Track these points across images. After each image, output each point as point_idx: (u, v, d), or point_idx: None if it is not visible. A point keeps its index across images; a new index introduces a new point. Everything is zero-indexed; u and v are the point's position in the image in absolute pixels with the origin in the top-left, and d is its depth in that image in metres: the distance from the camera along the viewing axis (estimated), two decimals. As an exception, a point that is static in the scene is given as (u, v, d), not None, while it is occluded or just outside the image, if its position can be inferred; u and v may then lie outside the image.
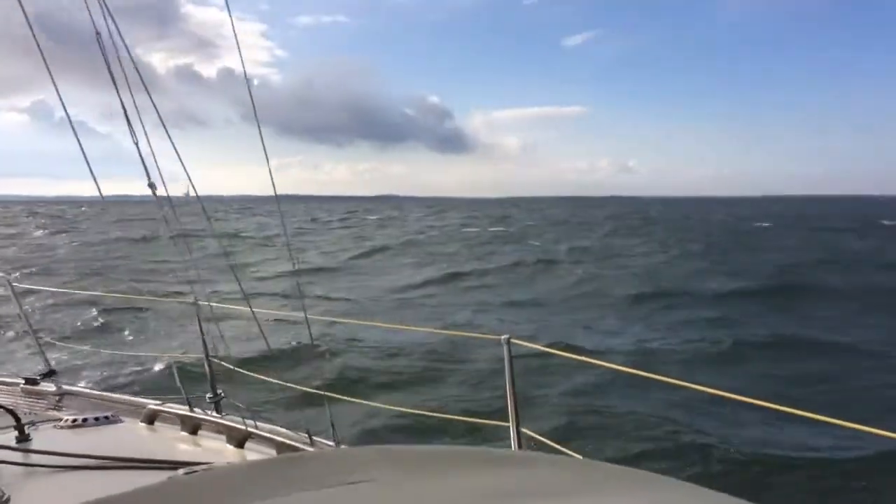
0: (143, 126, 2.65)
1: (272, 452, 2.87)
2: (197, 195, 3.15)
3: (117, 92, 2.54)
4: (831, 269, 25.28)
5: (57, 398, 4.23)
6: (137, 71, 2.55)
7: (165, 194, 2.77)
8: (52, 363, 4.60)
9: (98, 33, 2.45)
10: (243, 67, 2.86)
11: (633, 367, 3.88)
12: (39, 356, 4.71)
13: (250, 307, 3.26)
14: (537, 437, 3.41)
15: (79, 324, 15.79)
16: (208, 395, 3.64)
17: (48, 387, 4.38)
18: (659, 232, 54.35)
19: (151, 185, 2.72)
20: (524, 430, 3.18)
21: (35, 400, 4.20)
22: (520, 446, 3.15)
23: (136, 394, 4.66)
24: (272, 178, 3.07)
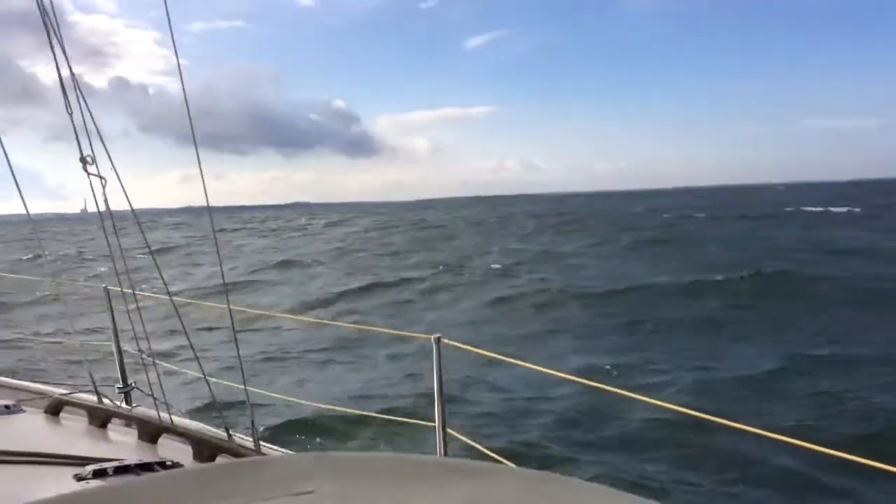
0: None
1: (186, 448, 2.69)
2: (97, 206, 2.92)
3: (77, 140, 2.46)
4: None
5: None
6: None
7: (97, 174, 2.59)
8: None
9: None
10: (182, 81, 2.68)
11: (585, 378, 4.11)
12: None
13: (168, 293, 3.08)
14: (462, 437, 3.42)
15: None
16: (118, 386, 3.44)
17: None
18: (591, 228, 48.78)
19: (83, 159, 2.55)
20: (450, 430, 3.18)
21: None
22: (445, 447, 3.14)
23: (42, 381, 4.38)
24: (205, 190, 2.86)
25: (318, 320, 14.90)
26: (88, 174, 2.56)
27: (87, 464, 2.19)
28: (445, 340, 3.17)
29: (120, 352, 3.62)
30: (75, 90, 2.47)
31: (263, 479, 1.38)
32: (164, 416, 2.88)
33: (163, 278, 3.20)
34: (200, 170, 2.79)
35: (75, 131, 2.50)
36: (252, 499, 1.26)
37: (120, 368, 3.57)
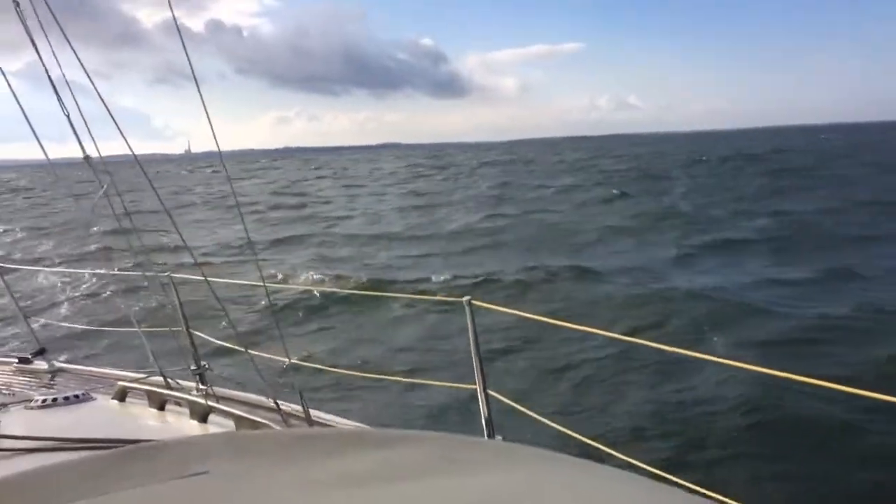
0: (71, 92, 2.47)
1: (231, 426, 2.81)
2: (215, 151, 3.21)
3: (39, 56, 2.37)
4: None
5: (49, 375, 4.32)
6: (63, 32, 2.40)
7: (100, 161, 2.66)
8: (43, 342, 4.69)
9: None
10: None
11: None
12: (31, 336, 4.83)
13: (204, 276, 3.26)
14: (505, 399, 3.39)
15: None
16: (192, 367, 3.60)
17: (41, 365, 4.45)
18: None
19: (87, 158, 2.62)
20: (491, 392, 3.17)
21: (29, 378, 4.29)
22: (488, 410, 3.14)
23: (114, 367, 4.71)
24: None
25: (350, 291, 15.07)
26: (95, 171, 2.57)
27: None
28: (476, 302, 3.14)
29: (190, 334, 3.72)
30: (94, 85, 2.41)
31: (161, 462, 1.37)
32: (212, 395, 3.04)
33: (195, 259, 3.41)
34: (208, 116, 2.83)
35: (75, 132, 2.47)
36: (143, 483, 1.24)
37: (193, 351, 3.67)
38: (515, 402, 3.56)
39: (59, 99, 2.51)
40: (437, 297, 13.45)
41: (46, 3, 2.40)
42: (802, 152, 69.25)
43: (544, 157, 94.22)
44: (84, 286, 16.55)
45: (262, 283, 3.52)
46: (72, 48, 2.45)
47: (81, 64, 2.49)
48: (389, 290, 14.62)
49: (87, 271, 12.08)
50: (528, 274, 15.92)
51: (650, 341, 4.33)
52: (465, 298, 3.11)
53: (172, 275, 3.86)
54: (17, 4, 2.37)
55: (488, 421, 3.12)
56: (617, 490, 1.22)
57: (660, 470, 3.09)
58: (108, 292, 15.44)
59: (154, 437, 2.51)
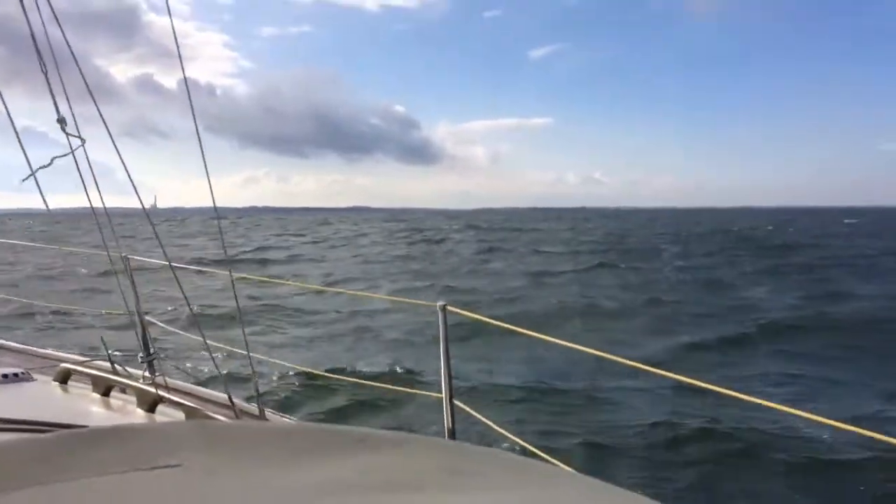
0: (79, 134, 2.39)
1: (180, 417, 2.63)
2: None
3: (52, 99, 2.23)
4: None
5: None
6: (83, 77, 2.28)
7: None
8: None
9: (33, 35, 2.15)
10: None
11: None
12: None
13: (169, 262, 2.98)
14: (469, 410, 3.27)
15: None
16: (140, 355, 3.36)
17: None
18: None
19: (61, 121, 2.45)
20: (457, 402, 3.05)
21: None
22: (452, 420, 3.00)
23: (58, 349, 4.45)
24: (208, 181, 2.80)
25: (321, 287, 14.98)
26: (67, 135, 2.38)
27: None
28: (451, 308, 3.04)
29: (142, 319, 3.49)
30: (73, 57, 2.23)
31: (127, 450, 1.25)
32: (161, 383, 2.83)
33: (163, 248, 3.21)
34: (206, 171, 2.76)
35: (50, 89, 2.25)
36: (103, 472, 1.13)
37: (142, 337, 3.46)
38: (479, 412, 3.40)
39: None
40: (411, 301, 13.43)
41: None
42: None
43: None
44: (38, 263, 16.06)
45: (228, 272, 3.30)
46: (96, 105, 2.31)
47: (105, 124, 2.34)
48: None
49: (44, 246, 11.58)
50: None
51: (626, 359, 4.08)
52: (440, 303, 3.02)
53: (129, 256, 3.63)
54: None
55: (451, 431, 2.99)
56: None
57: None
58: (60, 269, 14.95)
59: (98, 423, 2.39)
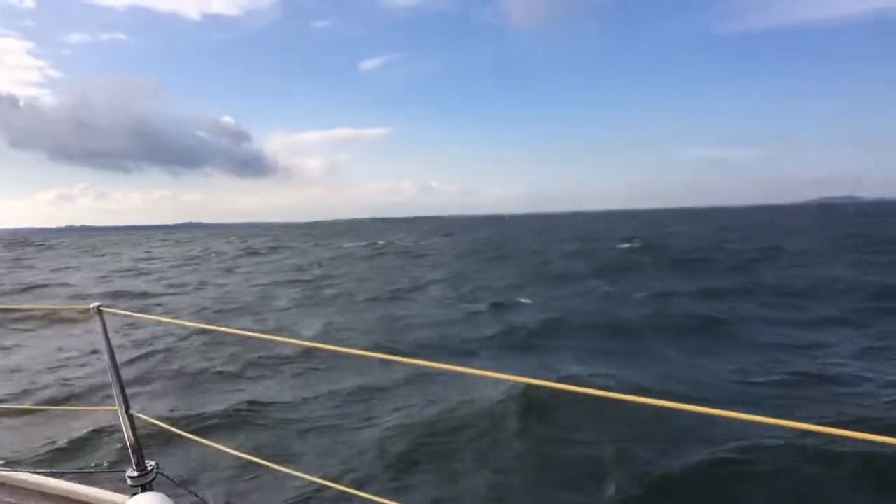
0: None
1: None
2: None
3: None
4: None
5: None
6: None
7: None
8: None
9: None
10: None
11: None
12: None
13: None
14: (148, 419, 3.00)
15: None
16: None
17: None
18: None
19: None
20: (134, 413, 2.77)
21: None
22: (133, 434, 2.74)
23: None
24: None
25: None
26: None
27: None
28: (108, 309, 2.72)
29: None
30: None
31: None
32: None
33: None
34: None
35: None
36: None
37: None
38: (163, 421, 3.15)
39: None
40: (63, 306, 12.15)
41: None
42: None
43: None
44: None
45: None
46: None
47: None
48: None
49: None
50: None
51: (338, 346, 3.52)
52: (94, 305, 2.65)
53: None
54: None
55: (135, 446, 2.73)
56: None
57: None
58: None
59: None
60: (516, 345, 13.29)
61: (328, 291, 24.27)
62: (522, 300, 19.70)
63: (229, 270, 36.76)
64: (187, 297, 23.60)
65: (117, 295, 24.38)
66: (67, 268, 42.87)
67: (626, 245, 43.98)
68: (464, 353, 12.48)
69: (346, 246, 63.09)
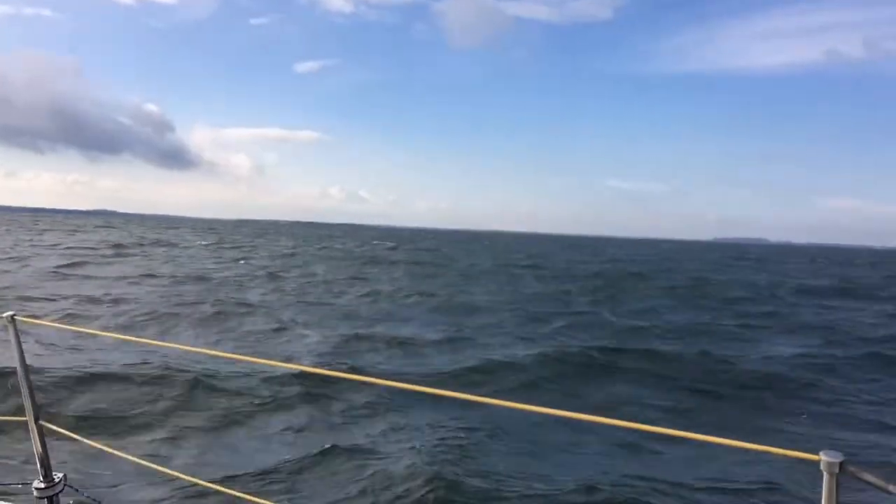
0: None
1: None
2: None
3: None
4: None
5: None
6: None
7: None
8: None
9: None
10: None
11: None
12: None
13: None
14: (60, 430, 2.99)
15: None
16: None
17: None
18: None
19: None
20: (44, 423, 2.77)
21: None
22: (42, 445, 2.73)
23: None
24: None
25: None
26: None
27: None
28: (21, 318, 2.73)
29: None
30: None
31: None
32: None
33: None
34: None
35: None
36: None
37: None
38: (72, 431, 3.13)
39: None
40: None
41: None
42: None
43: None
44: None
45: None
46: None
47: None
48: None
49: None
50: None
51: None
52: (8, 314, 2.69)
53: None
54: None
55: (43, 458, 2.73)
56: None
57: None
58: None
59: None
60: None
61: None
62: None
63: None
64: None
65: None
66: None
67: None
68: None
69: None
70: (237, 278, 30.60)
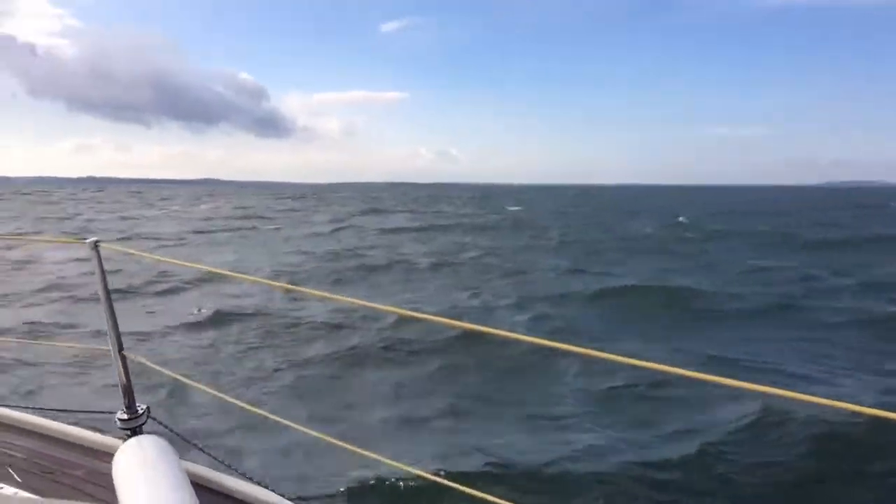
0: None
1: None
2: None
3: None
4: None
5: None
6: None
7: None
8: None
9: None
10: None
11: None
12: None
13: None
14: (144, 361, 2.92)
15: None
16: None
17: None
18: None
19: None
20: (128, 354, 2.73)
21: None
22: (126, 375, 2.69)
23: None
24: None
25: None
26: None
27: None
28: (105, 245, 2.65)
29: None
30: None
31: None
32: None
33: None
34: None
35: None
36: None
37: None
38: (157, 363, 3.07)
39: None
40: (56, 239, 12.49)
41: None
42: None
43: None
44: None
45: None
46: None
47: None
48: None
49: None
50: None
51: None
52: (92, 239, 2.61)
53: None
54: None
55: (126, 388, 2.68)
56: None
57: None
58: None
59: None
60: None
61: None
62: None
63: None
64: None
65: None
66: (142, 217, 47.87)
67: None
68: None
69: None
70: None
